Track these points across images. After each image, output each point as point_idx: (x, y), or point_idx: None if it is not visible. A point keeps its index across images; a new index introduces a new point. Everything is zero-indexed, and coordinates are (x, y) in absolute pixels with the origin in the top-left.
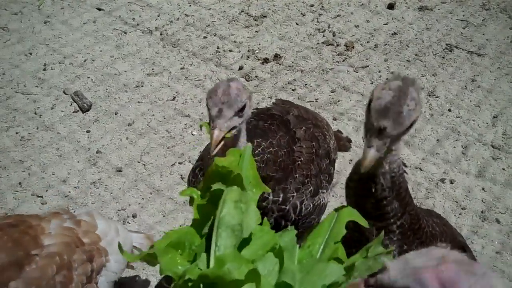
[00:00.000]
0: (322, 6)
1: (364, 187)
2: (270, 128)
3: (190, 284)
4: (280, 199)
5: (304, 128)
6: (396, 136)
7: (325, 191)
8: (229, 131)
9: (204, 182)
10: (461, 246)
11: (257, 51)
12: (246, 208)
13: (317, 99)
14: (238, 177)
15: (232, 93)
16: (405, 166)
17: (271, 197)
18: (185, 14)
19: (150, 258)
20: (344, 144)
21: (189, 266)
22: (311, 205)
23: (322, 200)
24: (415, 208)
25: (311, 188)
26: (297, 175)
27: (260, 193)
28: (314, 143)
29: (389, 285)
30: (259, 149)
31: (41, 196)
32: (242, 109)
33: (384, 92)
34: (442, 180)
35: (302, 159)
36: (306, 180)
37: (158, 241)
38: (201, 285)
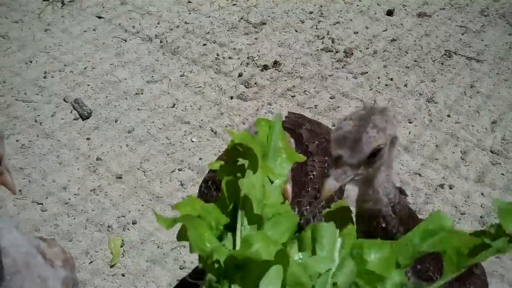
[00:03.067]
0: (321, 13)
1: (370, 223)
2: None
3: (217, 265)
4: (296, 213)
5: (317, 142)
6: (356, 165)
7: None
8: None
9: (226, 159)
10: None
11: (256, 58)
12: (269, 186)
13: (317, 105)
14: (254, 153)
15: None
16: (406, 195)
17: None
18: (185, 21)
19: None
20: None
21: (217, 245)
22: (323, 220)
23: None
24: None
25: (323, 202)
26: (309, 189)
27: (292, 164)
28: (327, 158)
29: None
30: None
31: (41, 203)
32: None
33: (345, 122)
34: (441, 186)
35: (314, 173)
36: (318, 195)
37: (182, 205)
38: (228, 266)
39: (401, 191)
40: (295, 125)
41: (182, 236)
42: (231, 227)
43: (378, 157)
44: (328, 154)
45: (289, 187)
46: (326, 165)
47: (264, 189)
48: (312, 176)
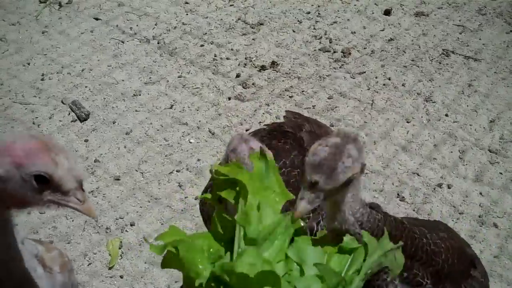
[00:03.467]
0: (319, 13)
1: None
2: (284, 148)
3: (213, 284)
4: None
5: None
6: (330, 191)
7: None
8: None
9: (213, 192)
10: (469, 259)
11: (254, 58)
12: (265, 208)
13: (314, 105)
14: (241, 183)
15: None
16: (379, 211)
17: None
18: (182, 22)
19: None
20: None
21: (217, 263)
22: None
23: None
24: (407, 233)
25: (324, 211)
26: None
27: (283, 201)
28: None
29: None
30: None
31: None
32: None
33: (320, 148)
34: (440, 185)
35: None
36: None
37: (165, 236)
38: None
39: (373, 207)
40: (295, 128)
41: (166, 263)
42: (229, 250)
43: (351, 185)
44: None
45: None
46: None
47: (259, 214)
48: None
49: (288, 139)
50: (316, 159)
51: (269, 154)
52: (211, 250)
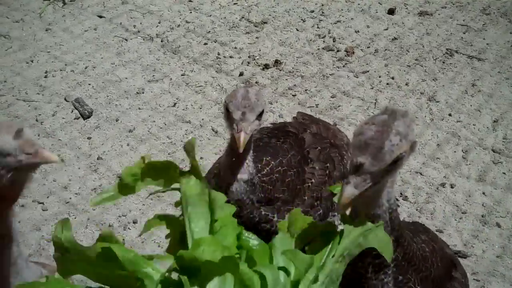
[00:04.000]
0: (323, 12)
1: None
2: (282, 147)
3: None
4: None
5: (319, 148)
6: (377, 173)
7: (336, 214)
8: (251, 134)
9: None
10: (450, 260)
11: (257, 57)
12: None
13: (318, 104)
14: (194, 166)
15: (252, 98)
16: (397, 199)
17: (275, 219)
18: (186, 20)
19: None
20: None
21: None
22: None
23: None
24: (409, 237)
25: (321, 211)
26: (306, 197)
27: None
28: (328, 164)
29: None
30: (267, 168)
31: (42, 203)
32: (261, 114)
33: (366, 127)
34: (443, 185)
35: (313, 180)
36: (316, 203)
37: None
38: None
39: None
40: (299, 129)
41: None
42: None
43: (398, 164)
44: (330, 161)
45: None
46: (327, 172)
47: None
48: (310, 184)
49: (288, 138)
50: (361, 139)
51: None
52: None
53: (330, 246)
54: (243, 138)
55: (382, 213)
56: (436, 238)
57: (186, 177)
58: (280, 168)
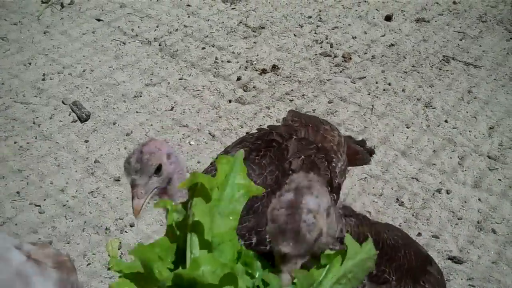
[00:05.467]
0: (320, 18)
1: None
2: (260, 164)
3: None
4: (254, 241)
5: (302, 157)
6: (305, 253)
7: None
8: (151, 193)
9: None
10: (425, 255)
11: (255, 62)
12: (218, 217)
13: (315, 109)
14: (205, 187)
15: (144, 158)
16: (347, 209)
17: (246, 242)
18: (184, 25)
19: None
20: (362, 157)
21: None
22: None
23: None
24: (374, 228)
25: None
26: None
27: (247, 199)
28: (312, 173)
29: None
30: None
31: (39, 205)
32: (157, 170)
33: (276, 213)
34: (439, 191)
35: None
36: None
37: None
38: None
39: (346, 215)
40: (285, 135)
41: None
42: (182, 257)
43: (323, 237)
44: (314, 169)
45: None
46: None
47: (213, 219)
48: None
49: (268, 151)
50: (275, 227)
51: (240, 152)
52: (168, 258)
53: (327, 268)
54: (135, 205)
55: (331, 246)
56: (409, 237)
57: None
58: None
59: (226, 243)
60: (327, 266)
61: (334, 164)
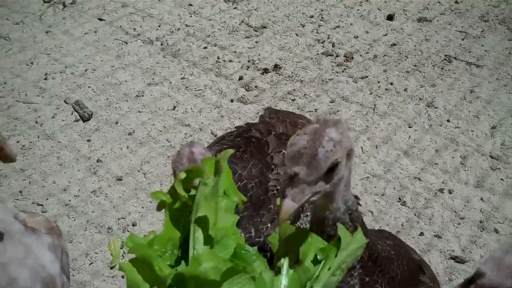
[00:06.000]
0: (322, 17)
1: (324, 230)
2: (242, 158)
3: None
4: (253, 233)
5: (283, 151)
6: (314, 182)
7: (308, 213)
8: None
9: (170, 192)
10: (417, 264)
11: (257, 61)
12: (221, 211)
13: (317, 109)
14: (210, 178)
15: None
16: (358, 199)
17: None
18: (186, 24)
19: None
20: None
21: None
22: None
23: (303, 226)
24: (370, 237)
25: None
26: (271, 206)
27: (235, 204)
28: None
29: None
30: None
31: (42, 205)
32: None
33: (298, 138)
34: (441, 190)
35: (278, 187)
36: None
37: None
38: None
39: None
40: (263, 132)
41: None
42: (184, 253)
43: (336, 172)
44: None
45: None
46: None
47: (217, 214)
48: (275, 192)
49: (249, 146)
50: (294, 150)
51: (227, 151)
52: (168, 253)
53: (323, 261)
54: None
55: (341, 215)
56: (401, 243)
57: (205, 183)
58: (239, 183)
59: (230, 237)
60: (323, 261)
61: None
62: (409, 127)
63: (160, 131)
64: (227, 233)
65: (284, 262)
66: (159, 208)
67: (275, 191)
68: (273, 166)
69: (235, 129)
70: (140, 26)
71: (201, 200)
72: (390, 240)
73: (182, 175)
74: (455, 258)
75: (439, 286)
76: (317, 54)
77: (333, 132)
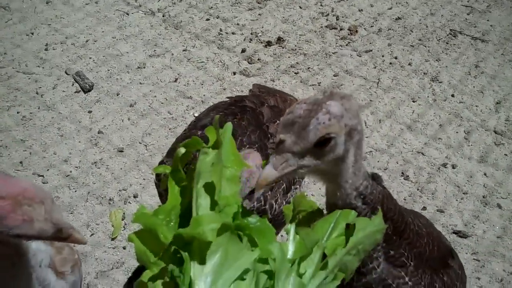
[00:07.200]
0: None
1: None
2: (240, 125)
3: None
4: (262, 199)
5: (278, 122)
6: (302, 155)
7: (298, 186)
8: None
9: (173, 166)
10: (448, 248)
11: (260, 34)
12: (223, 180)
13: (320, 82)
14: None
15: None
16: (377, 178)
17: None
18: None
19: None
20: None
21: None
22: (284, 203)
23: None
24: (398, 209)
25: (284, 185)
26: None
27: (240, 169)
28: None
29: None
30: None
31: (42, 176)
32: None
33: (298, 106)
34: (444, 165)
35: None
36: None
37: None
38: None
39: (374, 178)
40: (256, 103)
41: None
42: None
43: (328, 148)
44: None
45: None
46: None
47: (221, 183)
48: None
49: (244, 114)
50: (289, 117)
51: (228, 125)
52: (172, 223)
53: (332, 225)
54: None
55: (352, 201)
56: (433, 227)
57: (205, 152)
58: (242, 148)
59: (232, 206)
60: (332, 224)
61: None
62: (413, 101)
63: (162, 103)
64: (229, 202)
65: (291, 228)
66: (163, 185)
67: None
68: (269, 135)
69: (227, 99)
70: None
71: (203, 168)
72: (423, 219)
73: (182, 150)
74: (457, 233)
75: (466, 277)
76: (321, 27)
77: (335, 106)
